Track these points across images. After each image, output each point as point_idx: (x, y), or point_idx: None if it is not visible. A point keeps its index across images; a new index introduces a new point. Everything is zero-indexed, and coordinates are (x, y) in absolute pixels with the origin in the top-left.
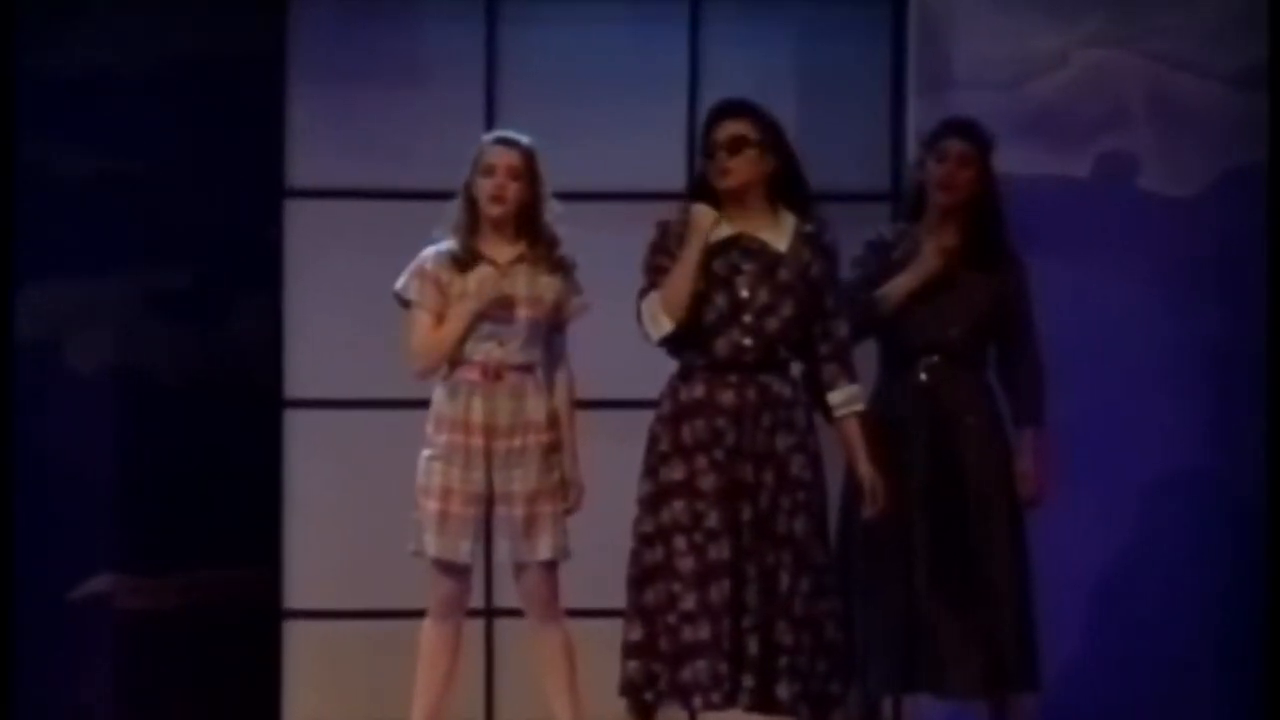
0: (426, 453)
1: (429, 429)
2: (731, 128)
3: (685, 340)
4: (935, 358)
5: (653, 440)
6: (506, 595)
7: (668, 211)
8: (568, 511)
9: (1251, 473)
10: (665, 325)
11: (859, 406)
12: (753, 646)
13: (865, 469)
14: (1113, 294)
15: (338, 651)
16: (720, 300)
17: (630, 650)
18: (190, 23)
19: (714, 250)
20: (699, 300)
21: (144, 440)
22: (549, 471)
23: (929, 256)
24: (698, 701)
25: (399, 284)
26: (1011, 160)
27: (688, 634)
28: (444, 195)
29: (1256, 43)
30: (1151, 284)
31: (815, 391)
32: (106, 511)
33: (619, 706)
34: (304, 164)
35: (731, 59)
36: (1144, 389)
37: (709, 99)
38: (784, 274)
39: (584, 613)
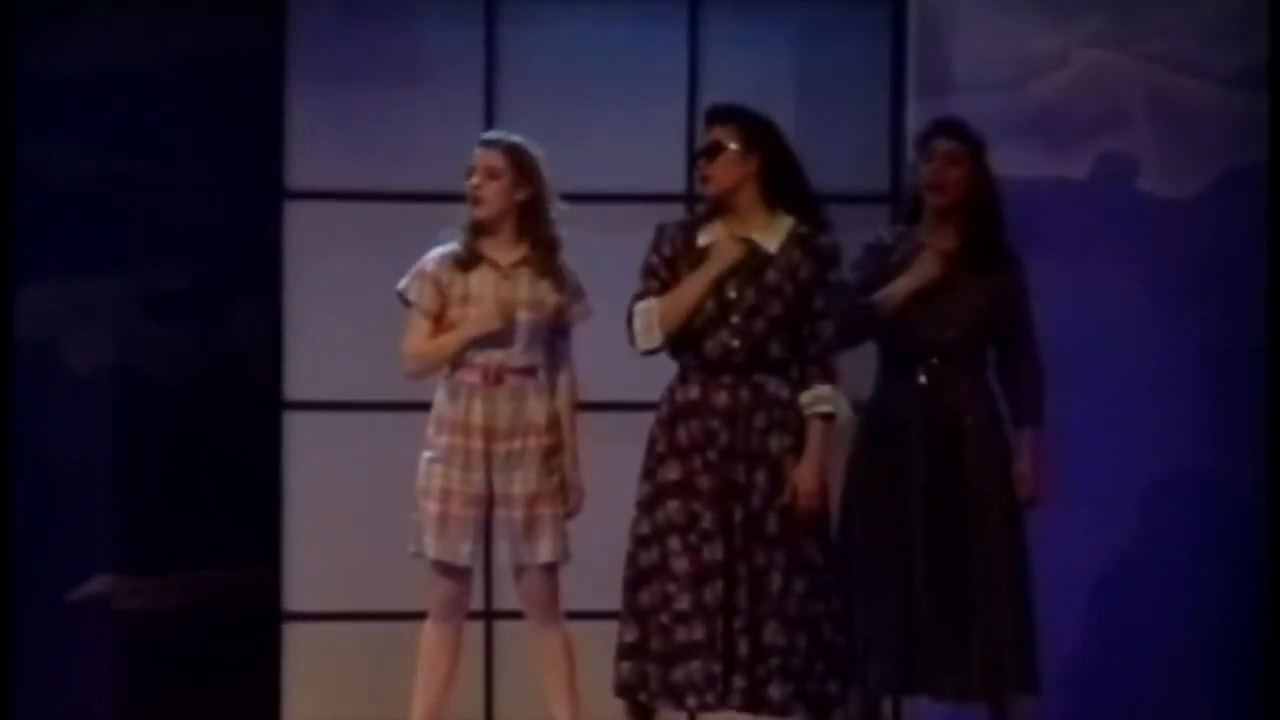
0: (427, 454)
1: (430, 431)
2: (710, 134)
3: (676, 344)
4: (934, 359)
5: (651, 442)
6: (506, 597)
7: (668, 214)
8: (568, 515)
9: (1251, 473)
10: (656, 339)
11: (825, 408)
12: (743, 647)
13: (801, 468)
14: (1112, 294)
15: (337, 653)
16: (709, 302)
17: (624, 651)
18: (190, 23)
19: (701, 253)
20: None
21: (144, 441)
22: (549, 474)
23: (928, 261)
24: (691, 702)
25: (401, 283)
26: (1011, 161)
27: (681, 634)
28: (444, 196)
29: (1256, 43)
30: (1151, 284)
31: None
32: (106, 512)
33: (619, 707)
34: (303, 164)
35: (731, 59)
36: (1143, 389)
37: (709, 99)
38: (772, 275)
39: (584, 615)
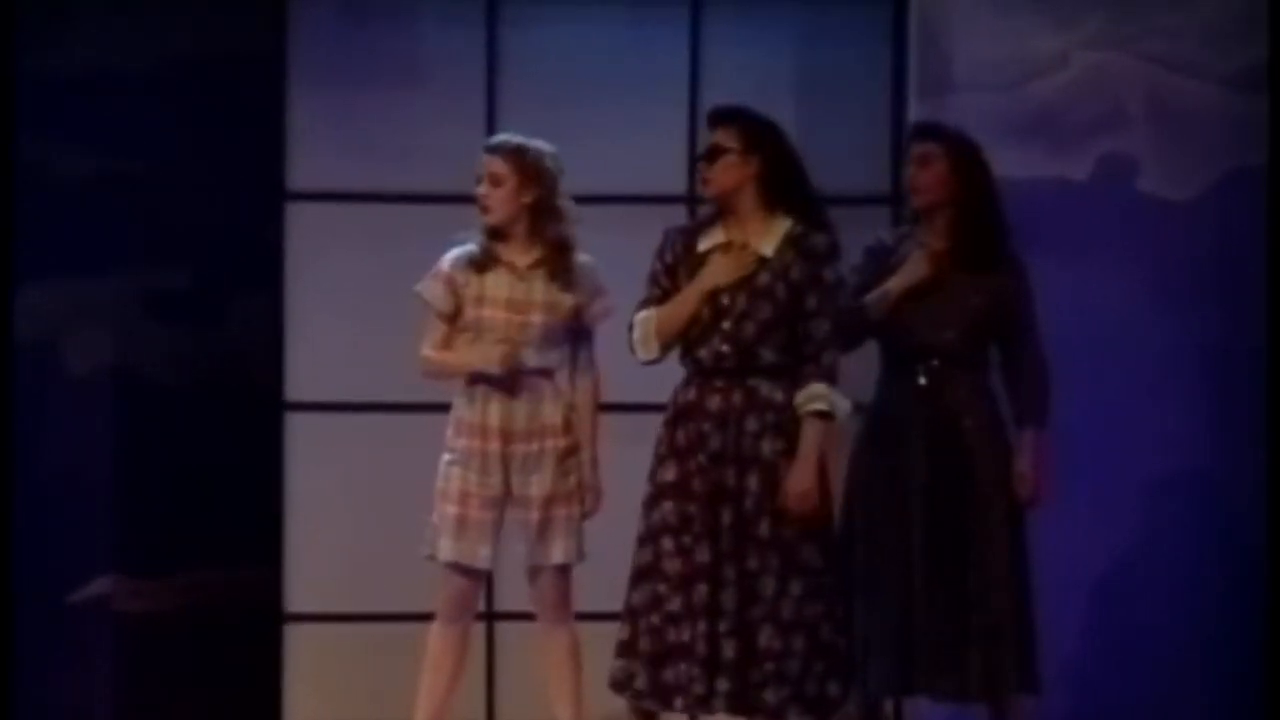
0: (446, 457)
1: (449, 433)
2: (710, 137)
3: (677, 351)
4: (934, 360)
5: (656, 443)
6: (507, 598)
7: (669, 215)
8: (584, 516)
9: (1251, 473)
10: (653, 350)
11: (819, 406)
12: (728, 650)
13: (793, 468)
14: (1112, 295)
15: (338, 654)
16: (703, 308)
17: (618, 649)
18: (190, 23)
19: (701, 259)
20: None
21: (144, 442)
22: (565, 475)
23: (918, 262)
24: (679, 703)
25: (420, 283)
26: (1011, 161)
27: (671, 635)
28: (444, 197)
29: (1256, 44)
30: (1151, 285)
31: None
32: (106, 513)
33: (622, 707)
34: (304, 165)
35: (731, 60)
36: (1143, 390)
37: (710, 100)
38: (764, 278)
39: (594, 616)
